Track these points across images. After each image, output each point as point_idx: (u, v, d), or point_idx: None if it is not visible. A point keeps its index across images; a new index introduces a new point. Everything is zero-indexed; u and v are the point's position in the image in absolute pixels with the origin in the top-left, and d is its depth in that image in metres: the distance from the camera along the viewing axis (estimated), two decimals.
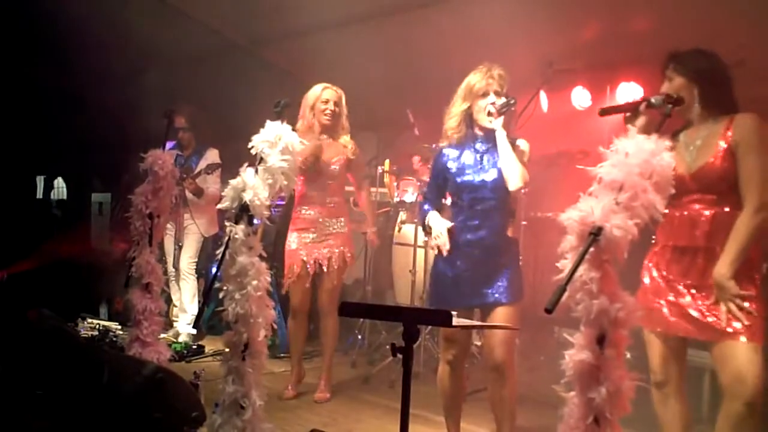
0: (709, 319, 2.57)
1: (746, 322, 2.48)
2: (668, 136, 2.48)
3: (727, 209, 2.61)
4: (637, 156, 2.10)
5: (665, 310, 2.70)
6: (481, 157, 3.13)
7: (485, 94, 3.09)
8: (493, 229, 3.09)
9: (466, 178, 3.13)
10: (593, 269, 2.00)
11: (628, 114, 2.63)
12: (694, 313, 2.61)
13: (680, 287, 2.68)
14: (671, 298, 2.70)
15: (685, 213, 2.66)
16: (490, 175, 3.09)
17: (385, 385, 4.70)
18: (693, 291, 2.65)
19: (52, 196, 10.00)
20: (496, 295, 3.05)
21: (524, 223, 5.27)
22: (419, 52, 5.76)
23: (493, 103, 3.07)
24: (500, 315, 3.05)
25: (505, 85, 3.12)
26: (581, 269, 1.99)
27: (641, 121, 2.57)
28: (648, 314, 2.60)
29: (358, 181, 4.56)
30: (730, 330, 2.50)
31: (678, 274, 2.69)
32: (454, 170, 3.16)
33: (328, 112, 4.20)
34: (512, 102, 3.07)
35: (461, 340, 3.21)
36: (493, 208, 3.10)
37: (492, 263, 3.09)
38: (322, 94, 4.23)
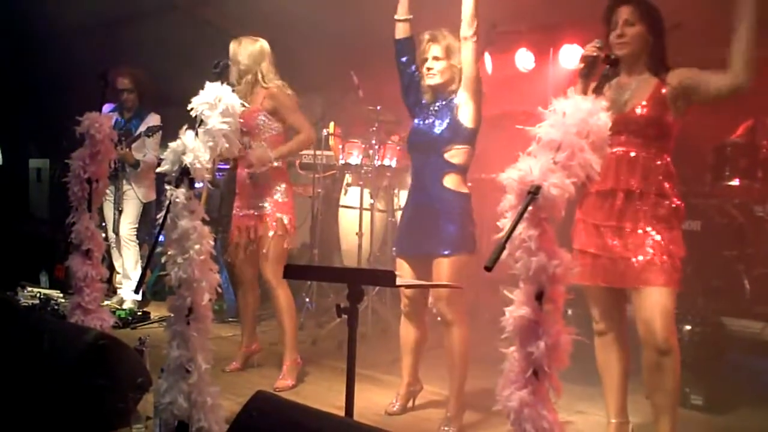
0: (632, 259, 2.69)
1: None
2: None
3: (650, 153, 2.74)
4: (574, 116, 2.13)
5: (592, 262, 2.80)
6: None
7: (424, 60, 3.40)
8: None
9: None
10: (532, 227, 2.03)
11: (583, 68, 2.68)
12: (614, 260, 2.73)
13: (603, 231, 2.78)
14: (593, 250, 2.80)
15: (610, 154, 2.73)
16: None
17: (333, 347, 4.74)
18: (613, 235, 2.75)
19: None
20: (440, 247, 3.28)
21: (469, 184, 5.30)
22: (363, 12, 5.68)
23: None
24: (442, 266, 3.28)
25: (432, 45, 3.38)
26: (520, 227, 2.03)
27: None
28: (582, 270, 2.67)
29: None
30: (649, 267, 2.64)
31: (600, 219, 2.79)
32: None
33: None
34: None
35: (412, 294, 3.47)
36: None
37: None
38: None
